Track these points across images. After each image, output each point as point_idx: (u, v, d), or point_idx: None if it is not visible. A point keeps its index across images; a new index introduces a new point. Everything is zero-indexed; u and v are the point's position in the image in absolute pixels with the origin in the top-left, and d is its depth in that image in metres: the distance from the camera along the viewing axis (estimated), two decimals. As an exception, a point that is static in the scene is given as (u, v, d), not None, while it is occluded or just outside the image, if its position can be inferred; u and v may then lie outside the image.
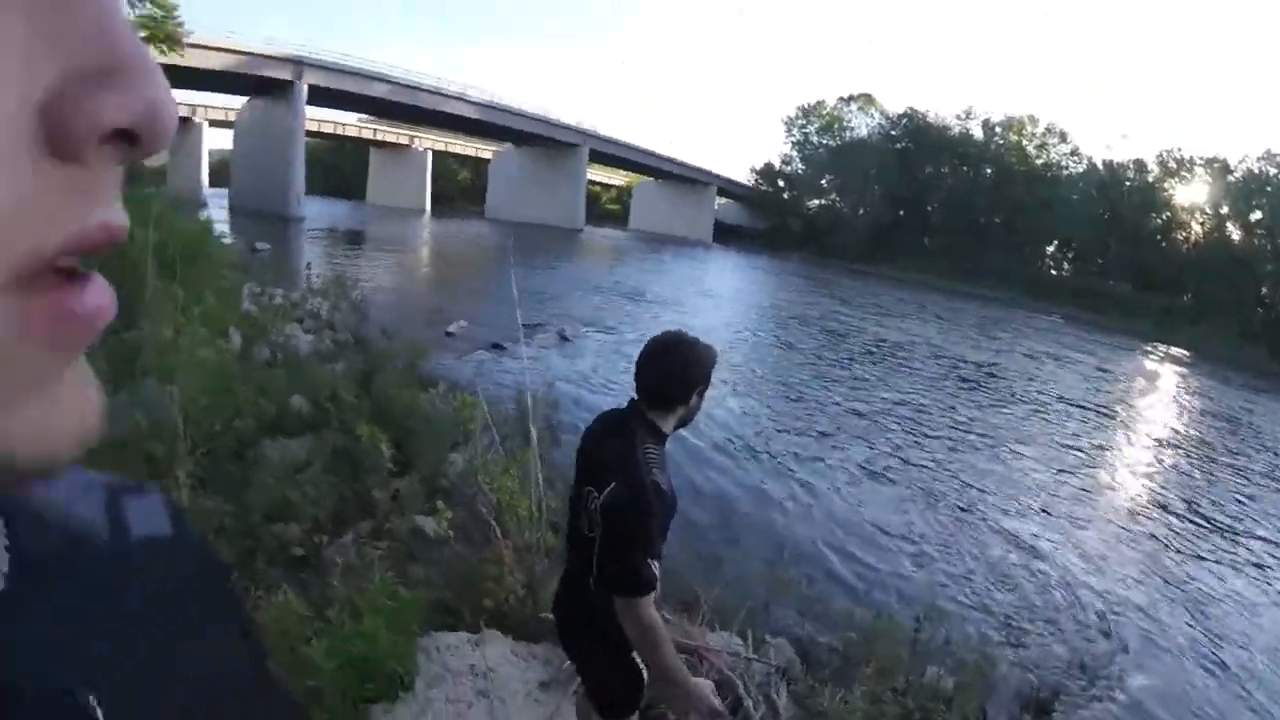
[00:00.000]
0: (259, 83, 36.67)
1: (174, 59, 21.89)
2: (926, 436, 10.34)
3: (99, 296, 0.23)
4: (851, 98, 65.13)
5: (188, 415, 3.93)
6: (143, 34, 21.18)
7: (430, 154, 62.99)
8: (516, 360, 9.39)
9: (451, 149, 65.27)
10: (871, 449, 9.19)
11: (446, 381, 7.06)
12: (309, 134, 45.00)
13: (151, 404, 3.83)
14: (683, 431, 1.93)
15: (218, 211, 39.79)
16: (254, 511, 3.27)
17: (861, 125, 64.28)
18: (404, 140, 61.96)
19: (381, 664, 2.34)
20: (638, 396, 1.77)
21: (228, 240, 21.50)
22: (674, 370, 1.74)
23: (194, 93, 43.61)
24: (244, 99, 41.17)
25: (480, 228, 46.21)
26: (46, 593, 0.32)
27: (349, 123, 58.44)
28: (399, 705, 2.35)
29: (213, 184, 54.64)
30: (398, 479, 4.22)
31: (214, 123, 52.11)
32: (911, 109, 62.38)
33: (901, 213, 58.75)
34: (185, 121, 50.04)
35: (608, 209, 75.23)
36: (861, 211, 60.52)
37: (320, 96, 40.18)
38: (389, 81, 41.23)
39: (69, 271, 0.22)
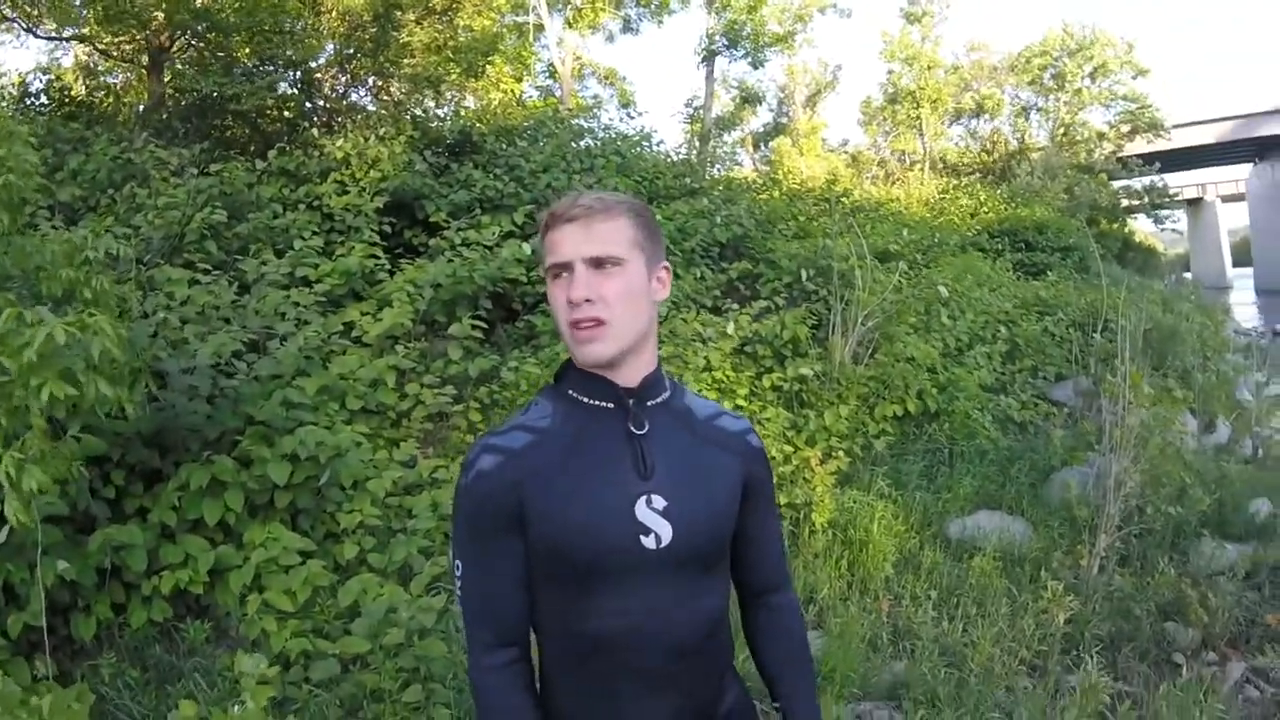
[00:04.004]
0: (1259, 144, 32.64)
1: (1161, 144, 21.94)
2: None
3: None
4: None
5: (1120, 495, 4.20)
6: (1126, 128, 21.91)
7: None
8: None
9: None
10: None
11: None
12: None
13: (1088, 476, 4.33)
14: None
15: (1241, 294, 36.05)
16: (1148, 601, 3.26)
17: None
18: None
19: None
20: None
21: (1249, 324, 19.73)
22: None
23: (1198, 171, 41.66)
24: (1249, 165, 37.22)
25: None
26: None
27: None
28: None
29: (1237, 264, 50.59)
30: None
31: (1225, 198, 48.26)
32: None
33: None
34: (1196, 203, 48.02)
35: None
36: None
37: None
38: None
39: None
